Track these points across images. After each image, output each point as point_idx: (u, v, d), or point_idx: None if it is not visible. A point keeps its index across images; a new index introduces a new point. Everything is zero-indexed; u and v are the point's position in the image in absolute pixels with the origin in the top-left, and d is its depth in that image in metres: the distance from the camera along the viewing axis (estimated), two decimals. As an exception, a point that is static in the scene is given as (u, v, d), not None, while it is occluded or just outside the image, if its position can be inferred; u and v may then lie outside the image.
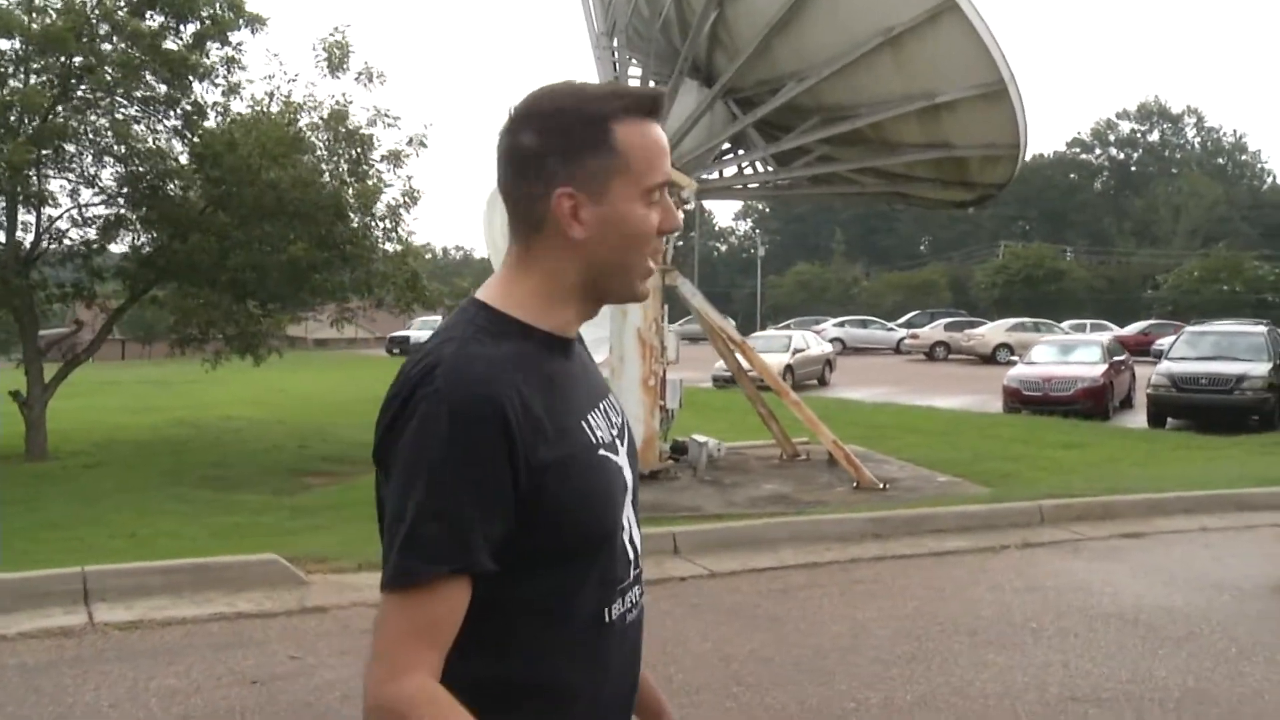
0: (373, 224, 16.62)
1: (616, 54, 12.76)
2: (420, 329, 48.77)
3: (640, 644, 1.45)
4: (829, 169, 13.06)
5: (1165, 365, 17.87)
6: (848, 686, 4.48)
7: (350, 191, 16.45)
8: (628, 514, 1.39)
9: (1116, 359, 20.66)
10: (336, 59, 17.28)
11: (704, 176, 12.74)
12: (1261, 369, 16.55)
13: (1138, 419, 18.27)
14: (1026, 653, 5.20)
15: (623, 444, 1.42)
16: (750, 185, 13.72)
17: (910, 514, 8.10)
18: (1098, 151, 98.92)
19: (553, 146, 1.31)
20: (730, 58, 12.13)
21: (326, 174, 16.28)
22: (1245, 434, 15.43)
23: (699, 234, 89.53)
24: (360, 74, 17.65)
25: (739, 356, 13.56)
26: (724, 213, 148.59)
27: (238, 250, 16.01)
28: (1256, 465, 11.52)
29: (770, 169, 13.36)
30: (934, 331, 38.76)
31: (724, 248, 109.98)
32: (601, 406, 1.41)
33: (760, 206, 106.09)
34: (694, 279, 59.22)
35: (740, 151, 13.33)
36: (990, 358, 33.50)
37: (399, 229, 16.65)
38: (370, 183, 16.49)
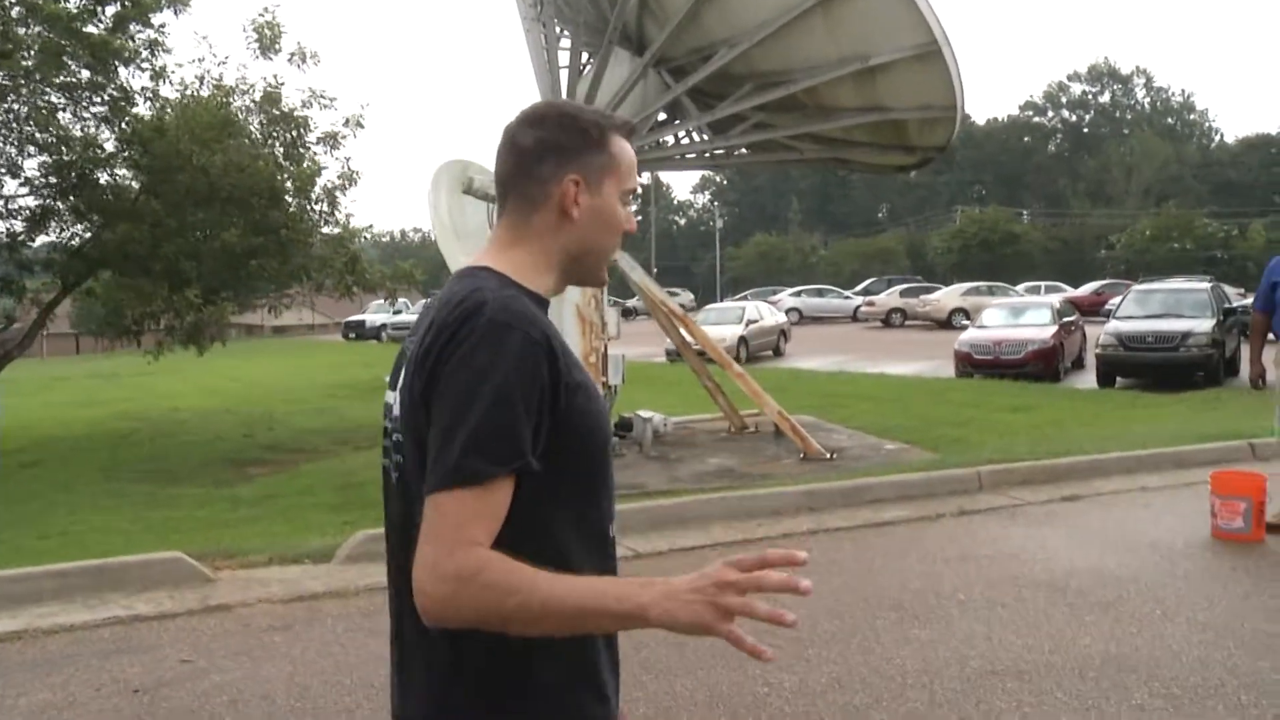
0: (309, 208, 16.24)
1: (545, 27, 12.44)
2: (375, 313, 48.26)
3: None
4: (766, 136, 12.86)
5: (1113, 325, 17.87)
6: (761, 670, 4.31)
7: (285, 175, 16.06)
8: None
9: (1067, 320, 20.66)
10: (267, 40, 16.86)
11: (640, 147, 12.50)
12: (1205, 325, 16.59)
13: (1088, 379, 18.29)
14: (951, 626, 5.06)
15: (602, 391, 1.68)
16: (688, 155, 13.47)
17: (846, 485, 7.95)
18: (1050, 114, 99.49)
19: (568, 141, 1.59)
20: (660, 26, 11.88)
21: (260, 158, 15.84)
22: (1191, 390, 15.46)
23: (655, 208, 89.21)
24: (293, 55, 17.26)
25: (682, 330, 13.35)
26: (682, 186, 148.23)
27: (171, 238, 15.61)
28: (1198, 422, 11.50)
29: (706, 138, 13.13)
30: (889, 298, 38.78)
31: (683, 221, 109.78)
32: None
33: (718, 179, 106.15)
34: (651, 254, 58.52)
35: (677, 121, 13.08)
36: (946, 323, 33.56)
37: (336, 211, 16.28)
38: (305, 166, 16.10)
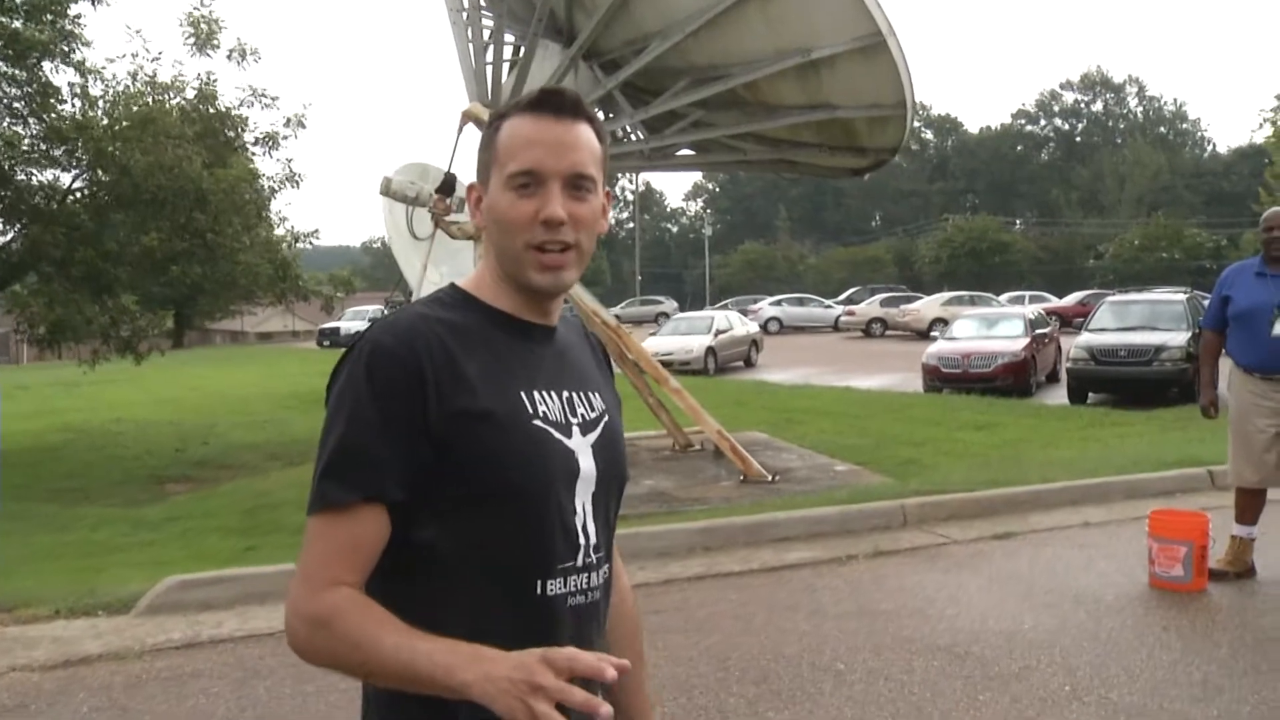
0: (238, 212, 15.39)
1: (468, 15, 11.63)
2: (351, 319, 47.36)
3: (589, 637, 1.47)
4: (704, 135, 12.06)
5: (1084, 337, 17.04)
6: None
7: (212, 176, 15.22)
8: (581, 501, 1.45)
9: (1039, 332, 19.80)
10: (204, 35, 16.07)
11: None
12: (1180, 339, 15.73)
13: (1060, 394, 17.45)
14: (818, 706, 4.23)
15: (586, 434, 1.48)
16: (624, 154, 12.64)
17: (748, 521, 7.09)
18: (1043, 122, 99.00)
19: (480, 144, 1.53)
20: (590, 16, 11.09)
21: (186, 159, 15.01)
22: (1163, 407, 14.63)
23: (638, 215, 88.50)
24: (232, 52, 16.48)
25: (620, 343, 12.53)
26: (674, 193, 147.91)
27: (89, 242, 14.79)
28: (1161, 444, 10.67)
29: (641, 136, 12.32)
30: (870, 308, 37.93)
31: (675, 229, 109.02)
32: (568, 394, 1.49)
33: (710, 186, 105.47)
34: (636, 262, 58.15)
35: (610, 116, 12.27)
36: (926, 333, 32.72)
37: (263, 215, 15.42)
38: (234, 169, 15.24)
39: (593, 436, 1.49)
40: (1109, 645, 4.87)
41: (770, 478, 10.58)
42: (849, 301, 42.98)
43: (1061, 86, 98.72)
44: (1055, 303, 38.40)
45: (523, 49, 11.46)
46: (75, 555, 9.97)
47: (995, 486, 8.04)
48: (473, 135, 10.97)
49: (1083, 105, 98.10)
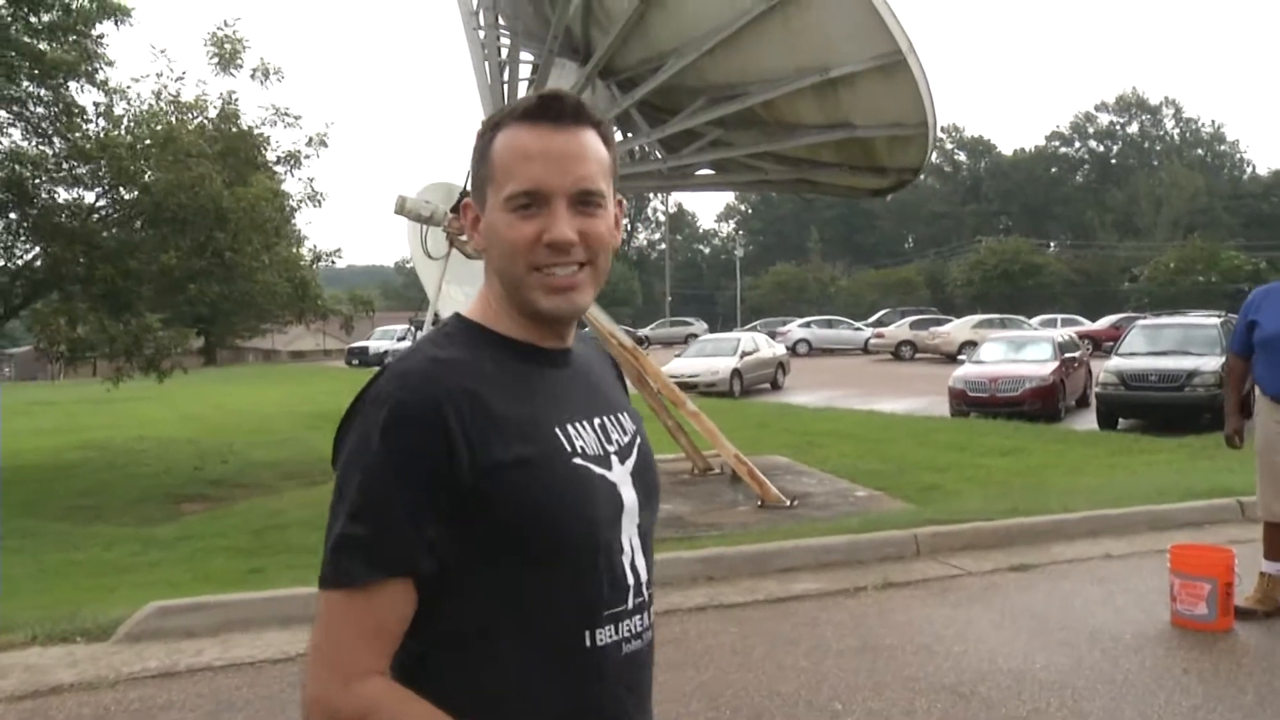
0: (257, 230, 15.38)
1: (485, 34, 11.56)
2: (380, 339, 47.47)
3: (644, 681, 1.38)
4: (723, 155, 11.91)
5: (1115, 362, 16.66)
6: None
7: (232, 195, 15.23)
8: (627, 536, 1.34)
9: (1069, 355, 19.42)
10: (228, 55, 16.14)
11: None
12: (1213, 364, 15.33)
13: (1089, 420, 17.08)
14: (810, 750, 4.00)
15: (624, 462, 1.37)
16: (641, 174, 12.48)
17: (754, 550, 6.86)
18: (1077, 144, 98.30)
19: (472, 159, 1.36)
20: (606, 34, 10.98)
21: (207, 178, 15.04)
22: (1195, 434, 14.24)
23: (668, 236, 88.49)
24: (255, 71, 16.55)
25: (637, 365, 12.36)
26: (707, 215, 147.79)
27: (109, 260, 14.83)
28: (1190, 472, 10.34)
29: (660, 156, 12.18)
30: (899, 330, 37.50)
31: (707, 250, 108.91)
32: (600, 420, 1.38)
33: (743, 207, 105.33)
34: (666, 283, 58.24)
35: (629, 136, 12.14)
36: (956, 356, 32.27)
37: (282, 232, 15.40)
38: (254, 186, 15.24)
39: (630, 463, 1.39)
40: (1124, 688, 4.60)
41: (788, 502, 10.40)
42: (879, 324, 42.54)
43: (1096, 108, 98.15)
44: (1088, 326, 37.83)
45: (539, 67, 11.39)
46: (83, 574, 9.93)
47: (1014, 516, 7.76)
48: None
49: (1118, 127, 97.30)
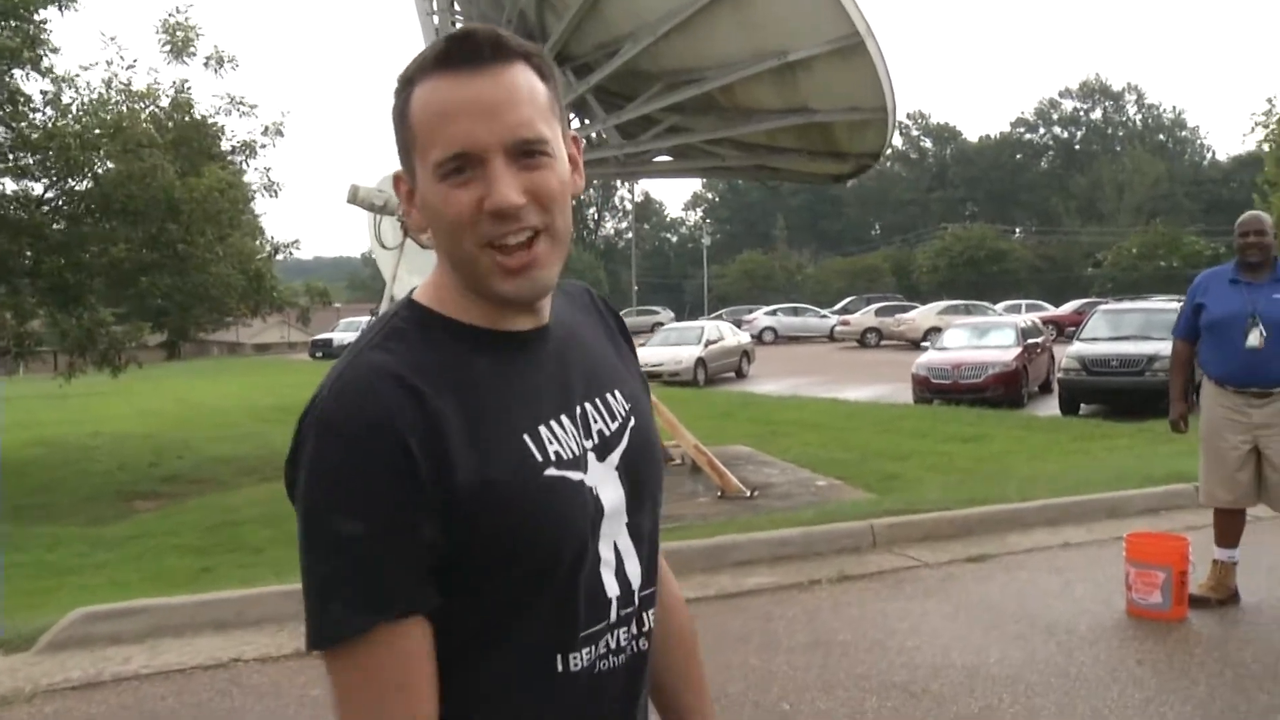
0: (210, 221, 15.06)
1: (438, 19, 11.35)
2: (345, 330, 47.02)
3: (632, 691, 1.23)
4: (681, 141, 11.74)
5: (1076, 347, 16.67)
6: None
7: (185, 186, 14.91)
8: (611, 542, 1.18)
9: (1032, 341, 19.43)
10: (180, 42, 15.79)
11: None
12: (1174, 348, 15.37)
13: (1052, 405, 17.08)
14: (754, 753, 3.88)
15: (605, 456, 1.20)
16: (599, 160, 12.30)
17: (707, 544, 6.73)
18: (1041, 130, 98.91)
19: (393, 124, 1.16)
20: (560, 17, 10.79)
21: (159, 168, 14.72)
22: (1156, 418, 14.24)
23: (635, 225, 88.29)
24: (209, 59, 16.21)
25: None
26: (674, 203, 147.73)
27: (56, 252, 14.49)
28: (1150, 457, 10.31)
29: (618, 141, 12.00)
30: (865, 317, 37.57)
31: (674, 238, 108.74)
32: (581, 408, 1.20)
33: (710, 196, 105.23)
34: (632, 272, 58.12)
35: (586, 123, 11.95)
36: (920, 343, 32.36)
37: (236, 223, 15.09)
38: (205, 178, 14.92)
39: (615, 455, 1.22)
40: (1078, 682, 4.51)
41: (749, 493, 10.31)
42: (844, 311, 42.60)
43: (1060, 94, 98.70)
44: (1052, 311, 38.07)
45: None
46: (23, 577, 9.63)
47: (972, 505, 7.68)
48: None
49: (1081, 113, 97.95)
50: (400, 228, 10.61)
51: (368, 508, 1.03)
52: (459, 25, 11.47)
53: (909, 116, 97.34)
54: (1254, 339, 5.40)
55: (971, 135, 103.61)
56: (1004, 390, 17.45)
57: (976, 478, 9.88)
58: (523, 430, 1.13)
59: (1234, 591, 5.63)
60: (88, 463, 17.02)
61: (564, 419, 1.18)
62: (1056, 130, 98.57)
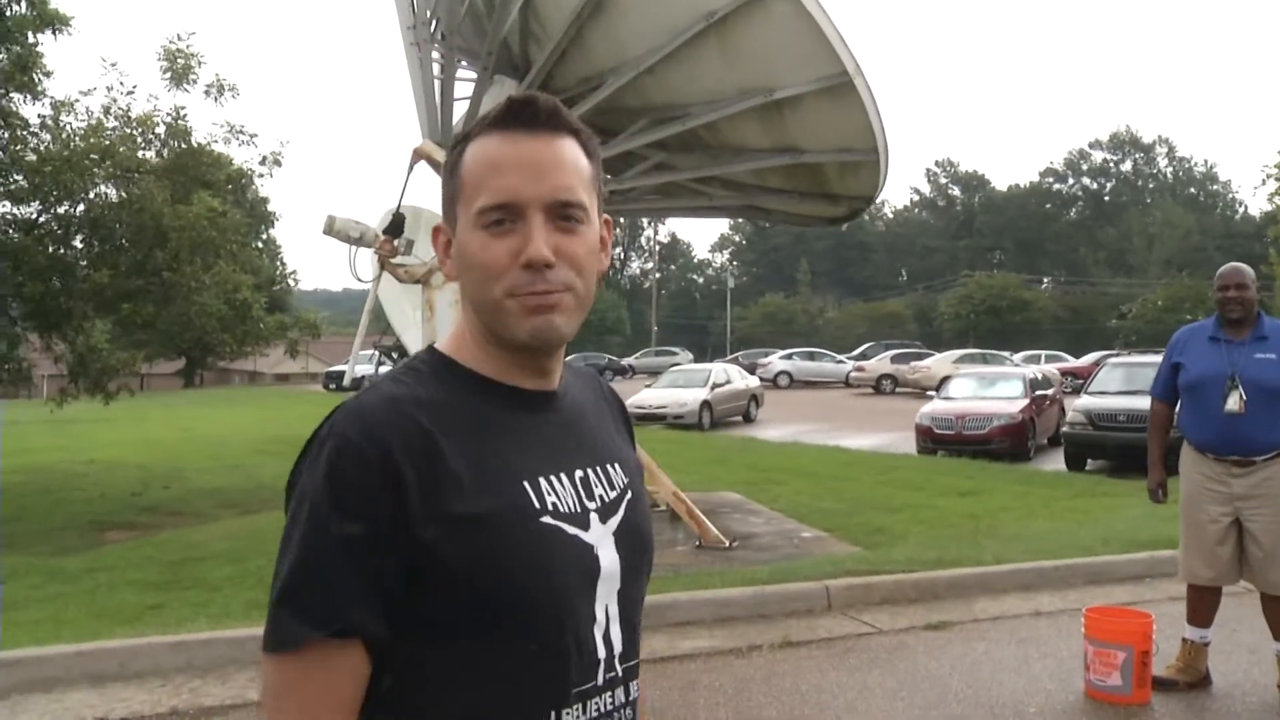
0: (197, 249, 14.87)
1: (422, 49, 11.13)
2: (358, 362, 46.97)
3: None
4: (667, 178, 11.42)
5: (1083, 400, 16.14)
6: None
7: (174, 213, 14.76)
8: (603, 605, 1.20)
9: (1041, 393, 18.89)
10: (180, 70, 15.72)
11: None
12: (1183, 405, 14.84)
13: (1059, 460, 16.53)
14: None
15: (606, 520, 1.23)
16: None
17: (650, 601, 6.31)
18: (1071, 181, 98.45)
19: (442, 181, 1.27)
20: (543, 50, 10.56)
21: (152, 195, 14.58)
22: (1163, 477, 13.72)
23: (659, 265, 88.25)
24: (210, 87, 16.13)
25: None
26: (701, 244, 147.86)
27: (40, 277, 14.33)
28: (1146, 519, 9.78)
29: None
30: (880, 364, 37.03)
31: (700, 279, 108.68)
32: (583, 472, 1.24)
33: (737, 238, 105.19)
34: (653, 312, 58.14)
35: (570, 160, 11.69)
36: (937, 390, 31.80)
37: (223, 252, 14.88)
38: (196, 206, 14.76)
39: (614, 522, 1.25)
40: (1011, 777, 4.06)
41: (728, 544, 9.93)
42: (862, 357, 42.07)
43: (1090, 145, 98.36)
44: (1071, 362, 37.44)
45: (476, 83, 10.97)
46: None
47: (940, 567, 7.21)
48: (426, 175, 10.46)
49: (1111, 165, 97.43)
50: (376, 262, 10.35)
51: (344, 514, 1.08)
52: (439, 58, 11.28)
53: (937, 164, 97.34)
54: (1233, 403, 4.97)
55: (1000, 184, 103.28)
56: (1009, 443, 16.94)
57: (958, 536, 9.40)
58: (523, 476, 1.17)
59: (1205, 674, 5.15)
60: (70, 491, 16.78)
61: (564, 476, 1.21)
62: (1086, 181, 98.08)
